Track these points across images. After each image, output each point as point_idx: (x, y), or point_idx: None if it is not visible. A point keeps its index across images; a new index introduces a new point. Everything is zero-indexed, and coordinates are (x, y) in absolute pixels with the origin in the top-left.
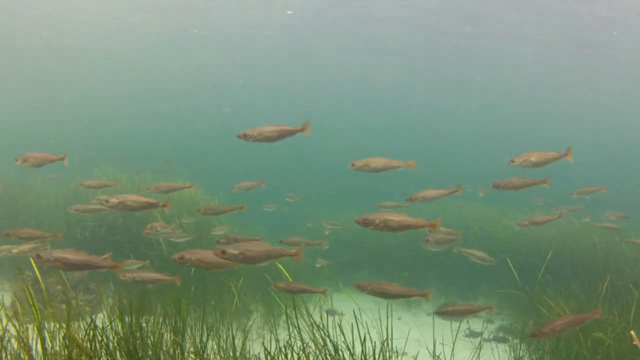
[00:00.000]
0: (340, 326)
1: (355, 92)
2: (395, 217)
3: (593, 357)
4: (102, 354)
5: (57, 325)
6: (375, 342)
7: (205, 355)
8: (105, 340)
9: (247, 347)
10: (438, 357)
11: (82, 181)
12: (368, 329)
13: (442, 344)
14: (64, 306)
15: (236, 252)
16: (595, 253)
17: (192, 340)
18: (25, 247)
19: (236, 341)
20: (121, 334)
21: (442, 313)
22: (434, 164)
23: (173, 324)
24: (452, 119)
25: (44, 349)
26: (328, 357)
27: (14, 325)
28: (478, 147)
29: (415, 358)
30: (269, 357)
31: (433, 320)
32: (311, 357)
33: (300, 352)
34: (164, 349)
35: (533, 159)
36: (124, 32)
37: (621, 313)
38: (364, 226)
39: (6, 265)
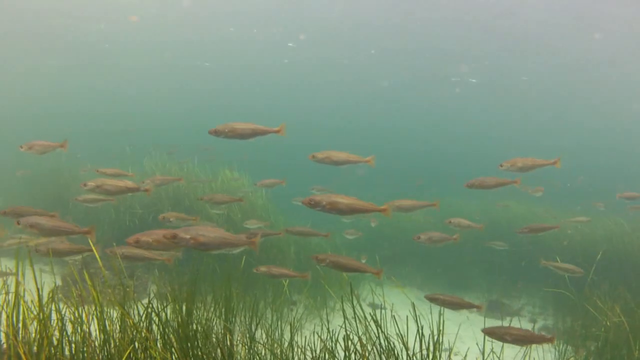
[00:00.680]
0: (394, 318)
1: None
2: (343, 200)
3: None
4: (158, 336)
5: (111, 310)
6: (427, 337)
7: (253, 345)
8: (160, 324)
9: (295, 338)
10: (491, 353)
11: (100, 168)
12: (419, 322)
13: (491, 341)
14: (110, 291)
15: (187, 237)
16: None
17: (240, 329)
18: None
19: (284, 332)
20: (177, 320)
21: (432, 298)
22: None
23: (223, 312)
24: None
25: (105, 330)
26: (381, 351)
27: (69, 309)
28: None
29: (465, 356)
30: (320, 348)
31: (484, 319)
32: (367, 348)
33: (357, 344)
34: (215, 336)
35: (519, 164)
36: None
37: None
38: (311, 207)
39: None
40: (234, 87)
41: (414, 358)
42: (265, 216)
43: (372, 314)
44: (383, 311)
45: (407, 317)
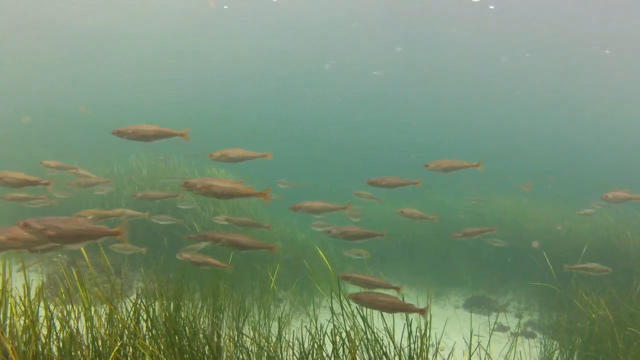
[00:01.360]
0: (381, 312)
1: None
2: (219, 184)
3: (627, 351)
4: (146, 331)
5: (98, 307)
6: (414, 331)
7: (241, 338)
8: (149, 320)
9: (283, 334)
10: (477, 348)
11: (44, 160)
12: (407, 318)
13: (478, 336)
14: (97, 289)
15: (40, 228)
16: (628, 249)
17: (228, 324)
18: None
19: (271, 328)
20: (165, 314)
21: (346, 277)
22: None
23: (211, 307)
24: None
25: (93, 327)
26: (370, 346)
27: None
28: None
29: (452, 349)
30: (310, 343)
31: (470, 315)
32: (355, 343)
33: (345, 339)
34: (202, 332)
35: (444, 166)
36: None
37: None
38: (187, 189)
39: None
40: (223, 79)
41: (402, 352)
42: (253, 213)
43: (359, 308)
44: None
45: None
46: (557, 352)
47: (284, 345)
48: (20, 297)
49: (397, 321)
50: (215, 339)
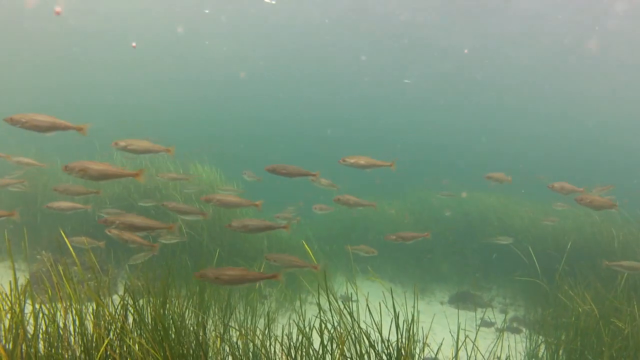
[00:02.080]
0: (368, 307)
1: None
2: (95, 166)
3: (611, 344)
4: (135, 331)
5: (82, 304)
6: (401, 324)
7: (227, 337)
8: (136, 312)
9: (269, 329)
10: (463, 343)
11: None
12: (395, 312)
13: (464, 330)
14: (82, 286)
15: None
16: (612, 245)
17: (213, 322)
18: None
19: (257, 324)
20: (151, 309)
21: (268, 258)
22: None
23: (196, 305)
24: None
25: (82, 324)
26: (356, 340)
27: (37, 305)
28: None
29: (440, 345)
30: (299, 337)
31: (457, 311)
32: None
33: (333, 332)
34: (188, 328)
35: (362, 162)
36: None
37: None
38: (68, 173)
39: (21, 245)
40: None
41: (390, 346)
42: (239, 211)
43: (344, 304)
44: (356, 301)
45: (379, 304)
46: (543, 346)
47: (271, 340)
48: (6, 294)
49: (385, 318)
50: (201, 333)
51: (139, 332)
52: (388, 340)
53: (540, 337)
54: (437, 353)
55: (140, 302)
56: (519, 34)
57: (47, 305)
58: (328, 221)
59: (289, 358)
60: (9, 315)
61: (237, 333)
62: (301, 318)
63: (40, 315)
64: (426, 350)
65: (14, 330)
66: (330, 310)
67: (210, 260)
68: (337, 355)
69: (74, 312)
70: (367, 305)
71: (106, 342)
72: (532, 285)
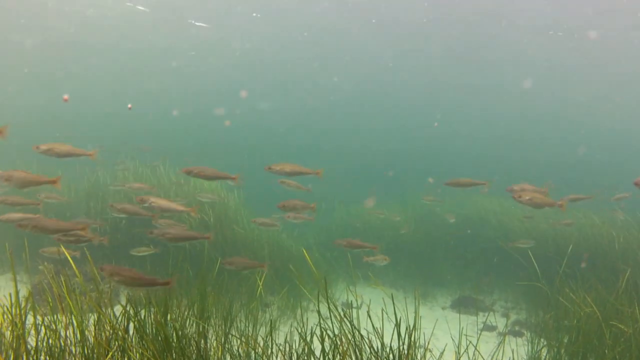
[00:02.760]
0: (368, 314)
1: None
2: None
3: (614, 346)
4: (134, 335)
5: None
6: (403, 331)
7: (227, 345)
8: (139, 327)
9: (271, 337)
10: (466, 349)
11: None
12: (396, 319)
13: (466, 336)
14: (84, 298)
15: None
16: (613, 247)
17: (215, 330)
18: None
19: (259, 332)
20: (153, 319)
21: (225, 262)
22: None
23: (197, 315)
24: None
25: (82, 334)
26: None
27: (37, 316)
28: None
29: (443, 352)
30: (302, 345)
31: (459, 316)
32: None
33: (336, 340)
34: (189, 337)
35: (287, 169)
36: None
37: None
38: None
39: (23, 257)
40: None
41: (392, 352)
42: (240, 218)
43: (345, 311)
44: (358, 308)
45: (382, 311)
46: (545, 350)
47: (273, 350)
48: (7, 307)
49: (388, 324)
50: (203, 343)
51: (140, 342)
52: (390, 347)
53: (542, 340)
54: (439, 359)
55: (142, 312)
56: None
57: (49, 317)
58: (331, 227)
59: None
60: (9, 327)
61: (239, 342)
62: (302, 326)
63: (43, 330)
64: (428, 355)
65: (14, 344)
66: (331, 317)
67: (212, 268)
68: None
69: (75, 323)
70: (368, 313)
71: (110, 353)
72: (533, 288)
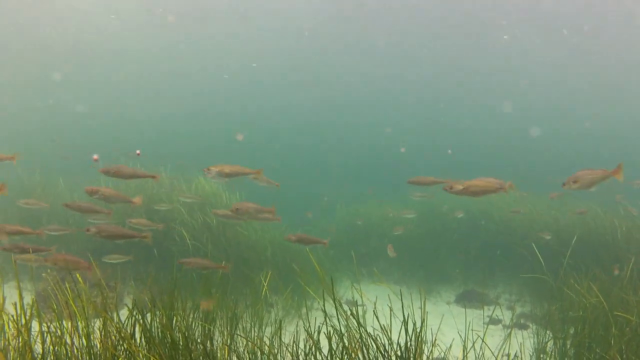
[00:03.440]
0: (374, 312)
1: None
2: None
3: (620, 335)
4: (140, 339)
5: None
6: (412, 327)
7: (233, 346)
8: (145, 330)
9: (276, 339)
10: (473, 344)
11: None
12: (404, 316)
13: (473, 330)
14: (88, 304)
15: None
16: (616, 237)
17: (220, 332)
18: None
19: (265, 332)
20: (158, 323)
21: (182, 262)
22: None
23: (202, 318)
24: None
25: (88, 340)
26: (364, 346)
27: (43, 323)
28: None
29: (450, 346)
30: (310, 345)
31: (465, 310)
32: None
33: (344, 338)
34: (194, 340)
35: (226, 170)
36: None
37: None
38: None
39: (27, 265)
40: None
41: (399, 348)
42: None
43: (351, 309)
44: (363, 306)
45: (390, 309)
46: (551, 342)
47: (280, 348)
48: (13, 316)
49: (394, 320)
50: (209, 345)
51: (147, 346)
52: (398, 344)
53: (548, 332)
54: (446, 352)
55: (148, 316)
56: None
57: (54, 324)
58: (334, 225)
59: None
60: (14, 333)
61: (245, 342)
62: (309, 325)
63: (48, 338)
64: (436, 351)
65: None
66: (337, 315)
67: (216, 270)
68: None
69: (80, 330)
70: (374, 311)
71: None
72: (538, 280)
